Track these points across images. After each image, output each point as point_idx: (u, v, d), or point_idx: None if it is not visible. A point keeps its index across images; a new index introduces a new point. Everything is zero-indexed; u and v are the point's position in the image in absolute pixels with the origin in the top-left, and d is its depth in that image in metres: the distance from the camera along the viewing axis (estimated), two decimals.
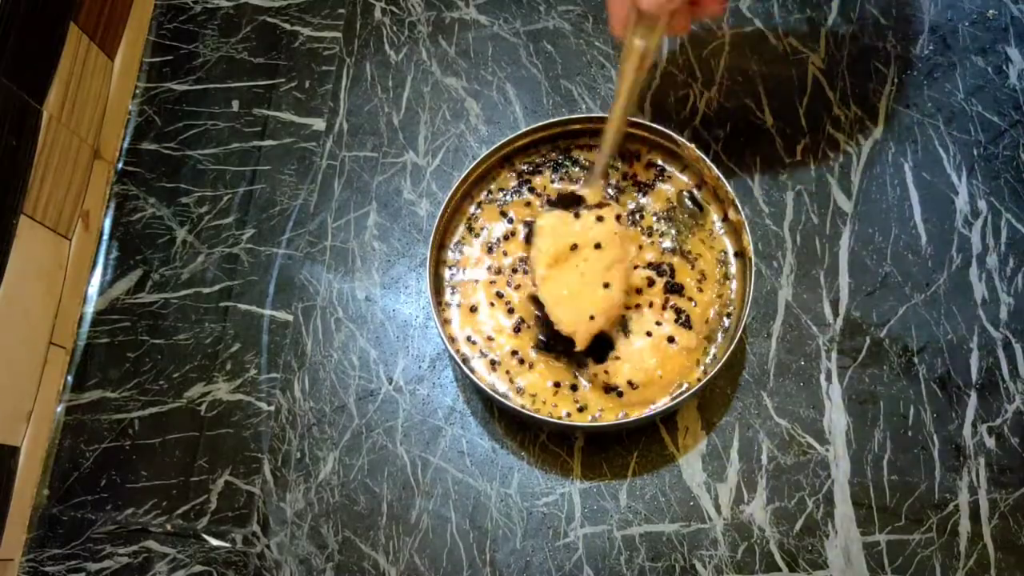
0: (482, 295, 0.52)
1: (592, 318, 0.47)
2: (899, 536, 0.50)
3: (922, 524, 0.50)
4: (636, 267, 0.51)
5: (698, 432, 0.52)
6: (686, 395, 0.47)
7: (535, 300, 0.49)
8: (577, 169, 0.54)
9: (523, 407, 0.48)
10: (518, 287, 0.52)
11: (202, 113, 0.62)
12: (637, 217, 0.53)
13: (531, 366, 0.50)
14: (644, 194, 0.53)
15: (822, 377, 0.53)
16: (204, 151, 0.61)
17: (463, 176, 0.52)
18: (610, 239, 0.48)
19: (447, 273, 0.53)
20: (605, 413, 0.49)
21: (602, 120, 0.52)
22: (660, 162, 0.53)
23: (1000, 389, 0.52)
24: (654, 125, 0.51)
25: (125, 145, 0.62)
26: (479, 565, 0.51)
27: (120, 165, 0.61)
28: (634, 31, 0.45)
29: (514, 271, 0.52)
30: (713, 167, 0.50)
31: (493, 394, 0.48)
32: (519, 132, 0.52)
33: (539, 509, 0.51)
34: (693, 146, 0.50)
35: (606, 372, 0.49)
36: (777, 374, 0.53)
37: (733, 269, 0.51)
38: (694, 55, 0.59)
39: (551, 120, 0.52)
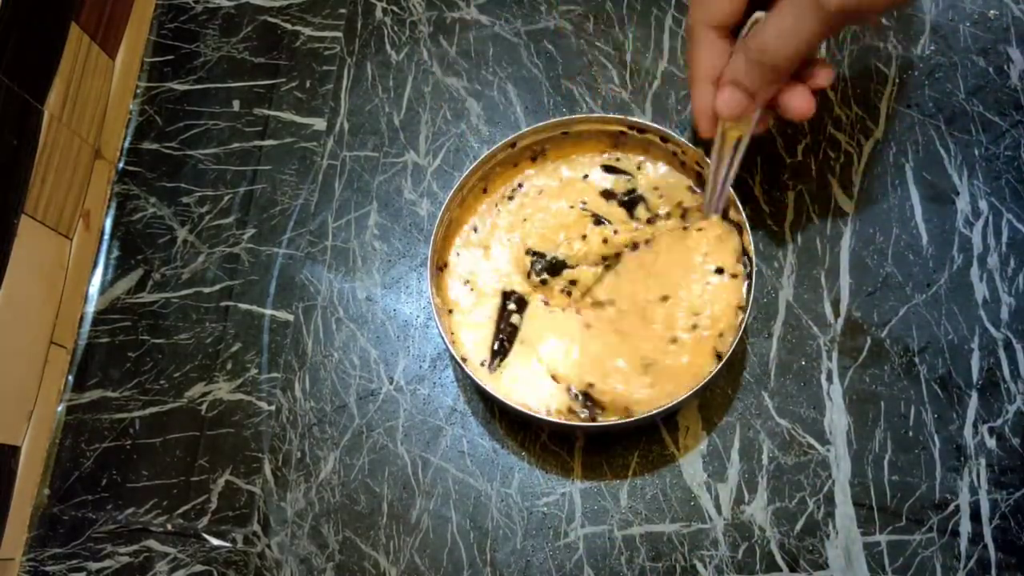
0: None
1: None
2: (900, 536, 0.50)
3: (923, 524, 0.50)
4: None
5: (699, 432, 0.52)
6: (687, 395, 0.47)
7: None
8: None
9: (523, 407, 0.48)
10: None
11: (203, 113, 0.62)
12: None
13: None
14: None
15: (823, 377, 0.53)
16: (205, 151, 0.61)
17: (464, 176, 0.52)
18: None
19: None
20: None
21: (601, 120, 0.52)
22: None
23: (1001, 389, 0.52)
24: (655, 125, 0.51)
25: (126, 145, 0.62)
26: (479, 565, 0.51)
27: (121, 165, 0.61)
28: (724, 124, 0.45)
29: None
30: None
31: (494, 394, 0.48)
32: (520, 132, 0.52)
33: (539, 509, 0.51)
34: (692, 146, 0.50)
35: None
36: (778, 374, 0.53)
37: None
38: None
39: (553, 120, 0.52)
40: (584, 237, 0.52)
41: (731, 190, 0.49)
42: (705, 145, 0.49)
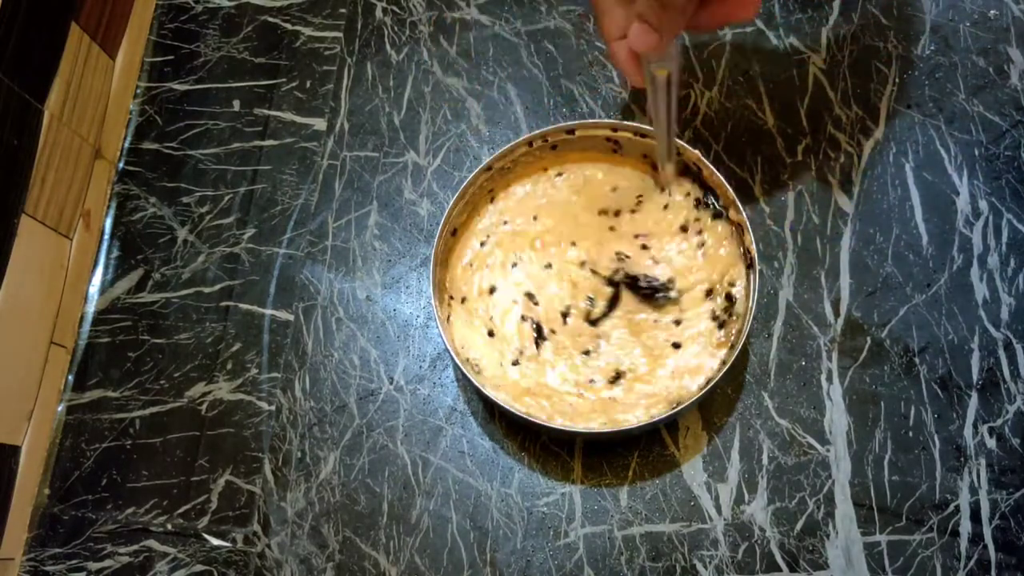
0: None
1: None
2: (900, 536, 0.50)
3: (923, 524, 0.50)
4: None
5: (699, 432, 0.52)
6: (690, 401, 0.47)
7: None
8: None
9: (522, 411, 0.48)
10: None
11: (203, 113, 0.62)
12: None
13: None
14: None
15: (823, 377, 0.53)
16: (205, 151, 0.61)
17: (466, 184, 0.51)
18: None
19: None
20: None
21: (602, 127, 0.52)
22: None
23: (1001, 389, 0.52)
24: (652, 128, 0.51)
25: (126, 145, 0.62)
26: (479, 565, 0.51)
27: (121, 164, 0.61)
28: (649, 66, 0.46)
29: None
30: (713, 168, 0.50)
31: (493, 395, 0.48)
32: (524, 137, 0.52)
33: (540, 509, 0.52)
34: (689, 147, 0.50)
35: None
36: (778, 374, 0.53)
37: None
38: (695, 55, 0.60)
39: (557, 126, 0.52)
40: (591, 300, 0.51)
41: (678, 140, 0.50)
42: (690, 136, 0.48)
